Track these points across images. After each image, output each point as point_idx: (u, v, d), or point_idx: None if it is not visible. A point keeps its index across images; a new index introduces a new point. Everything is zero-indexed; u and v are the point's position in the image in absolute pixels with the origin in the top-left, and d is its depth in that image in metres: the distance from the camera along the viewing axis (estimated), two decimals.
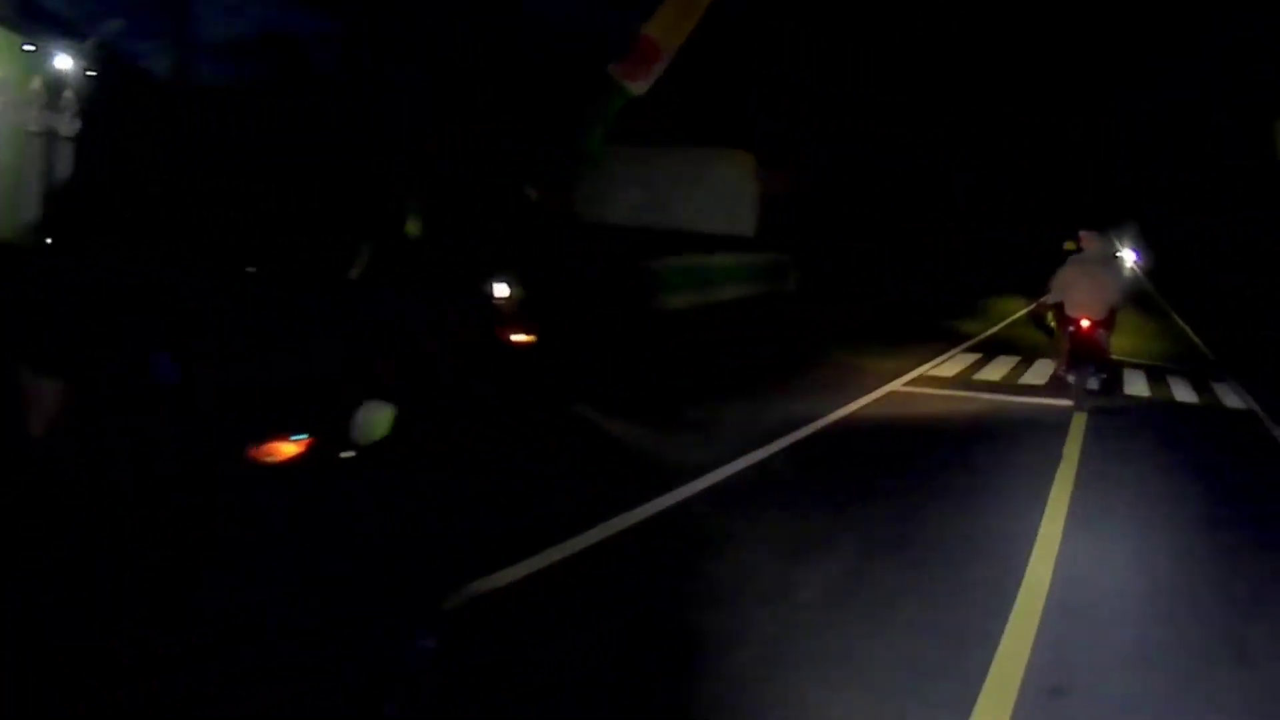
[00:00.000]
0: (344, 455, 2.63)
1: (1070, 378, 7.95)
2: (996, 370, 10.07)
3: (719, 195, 19.41)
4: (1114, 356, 8.81)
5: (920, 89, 24.86)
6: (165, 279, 3.52)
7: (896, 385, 8.69)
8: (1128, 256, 32.32)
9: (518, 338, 5.53)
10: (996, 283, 22.44)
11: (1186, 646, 3.28)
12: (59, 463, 2.44)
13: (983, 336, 13.37)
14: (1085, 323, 7.64)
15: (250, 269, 4.34)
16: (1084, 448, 6.45)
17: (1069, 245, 9.12)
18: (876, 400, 7.97)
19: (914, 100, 24.79)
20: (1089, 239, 8.20)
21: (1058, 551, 4.18)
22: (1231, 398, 9.21)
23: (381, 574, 2.67)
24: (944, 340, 12.25)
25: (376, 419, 2.68)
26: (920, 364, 9.96)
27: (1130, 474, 5.95)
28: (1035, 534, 4.41)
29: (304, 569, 2.51)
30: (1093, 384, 7.95)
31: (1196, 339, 15.29)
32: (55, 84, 8.63)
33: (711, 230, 17.89)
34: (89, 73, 9.01)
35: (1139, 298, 21.06)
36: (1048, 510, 4.84)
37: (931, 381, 9.10)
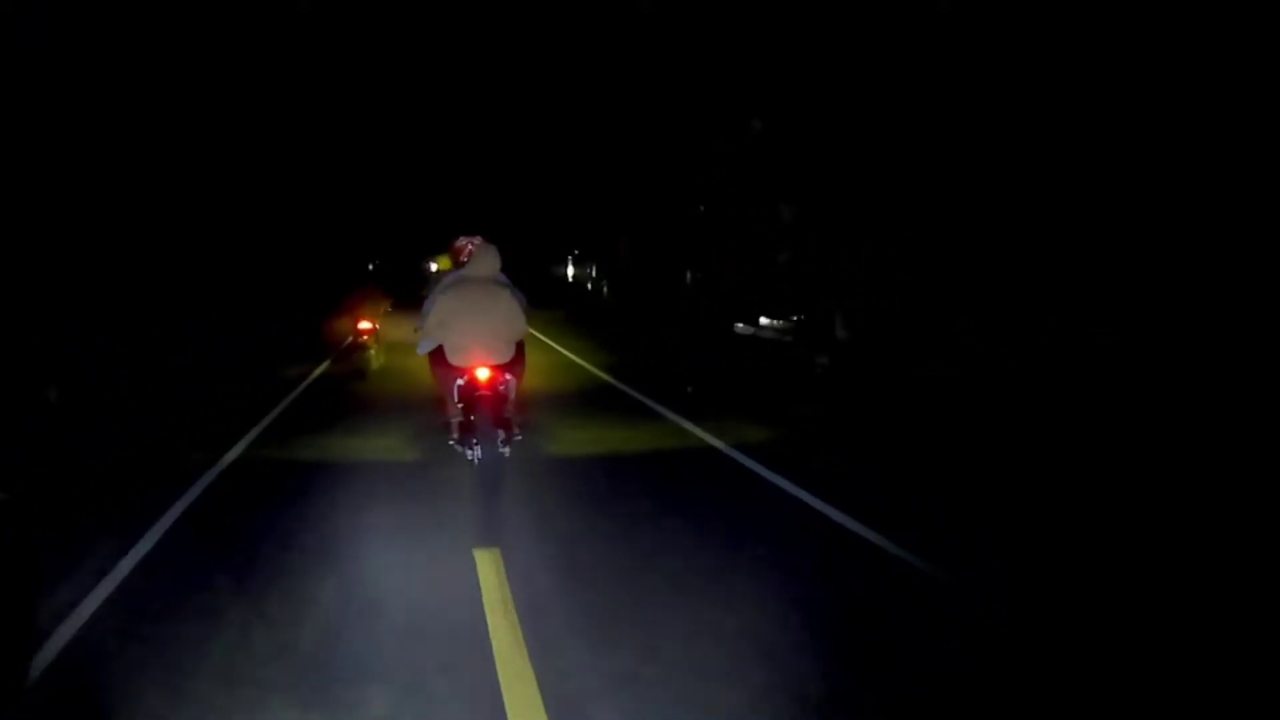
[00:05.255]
0: None
1: (469, 453, 5.25)
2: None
3: None
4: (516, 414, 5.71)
5: None
6: None
7: None
8: None
9: None
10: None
11: None
12: None
13: None
14: (484, 373, 5.17)
15: None
16: None
17: (441, 262, 6.19)
18: None
19: None
20: (472, 249, 5.48)
21: None
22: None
23: None
24: None
25: None
26: None
27: None
28: None
29: None
30: (504, 451, 5.32)
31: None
32: None
33: None
34: None
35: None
36: None
37: None
